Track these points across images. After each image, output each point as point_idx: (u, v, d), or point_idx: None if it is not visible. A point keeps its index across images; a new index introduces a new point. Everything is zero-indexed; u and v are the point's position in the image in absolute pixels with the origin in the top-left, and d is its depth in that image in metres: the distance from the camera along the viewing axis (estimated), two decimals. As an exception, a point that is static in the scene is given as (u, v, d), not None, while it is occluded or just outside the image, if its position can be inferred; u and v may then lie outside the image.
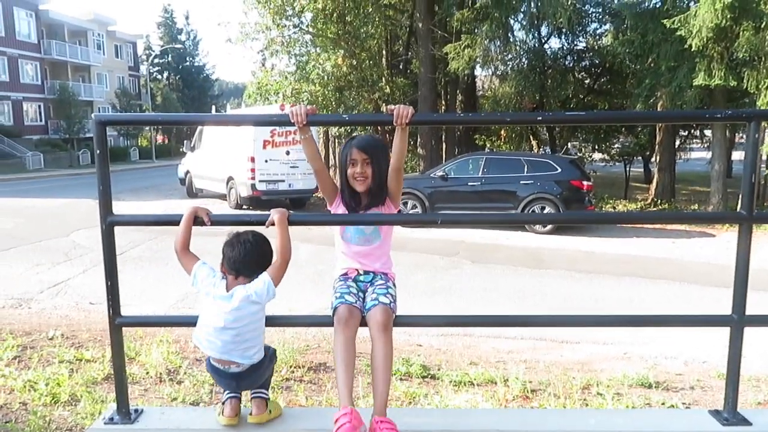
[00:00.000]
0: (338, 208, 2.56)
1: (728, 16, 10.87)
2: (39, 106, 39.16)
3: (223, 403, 2.34)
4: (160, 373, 3.99)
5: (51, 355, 4.35)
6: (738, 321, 2.31)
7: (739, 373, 2.36)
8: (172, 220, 2.29)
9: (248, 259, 2.22)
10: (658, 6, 14.02)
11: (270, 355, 2.36)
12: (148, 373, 4.00)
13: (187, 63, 59.10)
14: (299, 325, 4.07)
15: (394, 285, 2.57)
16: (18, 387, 3.65)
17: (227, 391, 2.36)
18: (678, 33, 11.70)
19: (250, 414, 2.34)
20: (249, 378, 2.30)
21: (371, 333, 2.34)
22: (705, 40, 11.28)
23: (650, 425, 2.42)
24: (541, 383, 4.02)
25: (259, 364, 2.28)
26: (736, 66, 11.92)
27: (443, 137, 20.09)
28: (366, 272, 2.54)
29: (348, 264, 2.56)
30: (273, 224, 2.26)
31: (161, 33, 58.35)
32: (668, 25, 11.79)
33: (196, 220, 2.29)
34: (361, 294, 2.49)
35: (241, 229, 2.34)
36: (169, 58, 57.45)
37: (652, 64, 13.89)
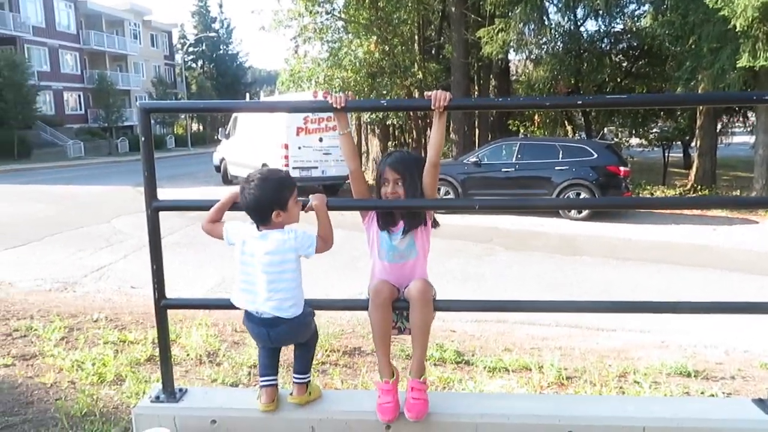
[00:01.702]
0: (372, 226, 2.55)
1: (775, -5, 10.46)
2: (79, 96, 40.15)
3: (261, 388, 2.40)
4: (200, 355, 4.09)
5: (96, 336, 4.50)
6: (783, 309, 2.26)
7: (784, 362, 2.31)
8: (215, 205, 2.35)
9: (250, 205, 2.22)
10: (700, -15, 13.56)
11: (309, 314, 2.36)
12: (188, 354, 4.11)
13: (221, 51, 59.68)
14: (334, 308, 4.13)
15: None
16: (66, 366, 3.79)
17: (261, 380, 2.40)
18: (721, 13, 11.30)
19: (291, 394, 2.40)
20: (285, 334, 2.31)
21: (411, 301, 2.42)
22: (750, 19, 10.87)
23: (691, 414, 2.39)
24: (576, 370, 4.00)
25: (297, 321, 2.28)
26: (783, 46, 11.47)
27: (476, 123, 19.93)
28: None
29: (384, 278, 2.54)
30: (312, 209, 2.30)
31: (195, 22, 59.02)
32: (711, 5, 11.39)
33: (235, 205, 2.34)
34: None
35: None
36: (204, 47, 58.10)
37: (693, 46, 13.46)
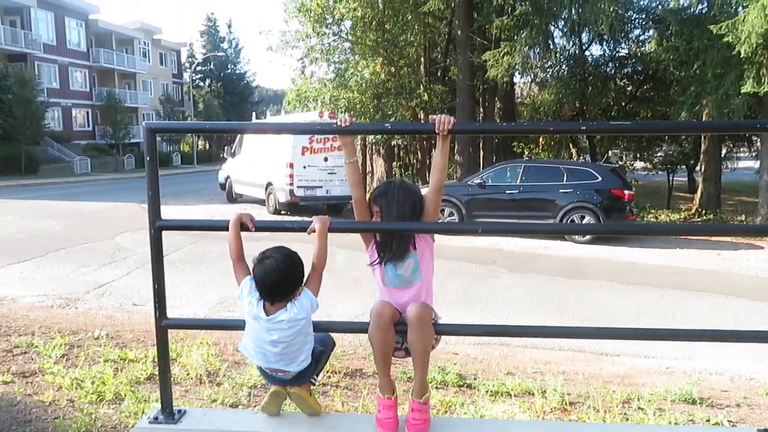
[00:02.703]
0: (373, 254, 2.54)
1: (779, 22, 10.53)
2: (87, 112, 40.52)
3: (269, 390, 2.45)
4: (200, 375, 4.07)
5: (96, 354, 4.49)
6: (789, 338, 2.23)
7: (790, 392, 2.28)
8: (217, 226, 2.35)
9: (278, 285, 2.21)
10: (704, 12, 13.67)
11: (318, 356, 2.38)
12: (188, 374, 4.09)
13: (229, 70, 60.26)
14: (336, 331, 4.08)
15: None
16: (66, 384, 3.78)
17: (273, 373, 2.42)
18: (725, 39, 11.38)
19: (294, 387, 2.41)
20: (298, 379, 2.36)
21: (408, 324, 2.40)
22: (754, 46, 10.94)
23: (695, 443, 2.35)
24: (579, 396, 3.95)
25: (307, 368, 2.33)
26: (787, 73, 11.52)
27: (481, 144, 19.98)
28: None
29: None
30: (314, 231, 2.30)
31: (204, 41, 59.72)
32: (715, 31, 11.47)
33: (242, 226, 2.34)
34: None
35: (272, 243, 2.37)
36: (212, 66, 58.70)
37: (697, 71, 13.53)
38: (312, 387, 2.47)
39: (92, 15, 40.22)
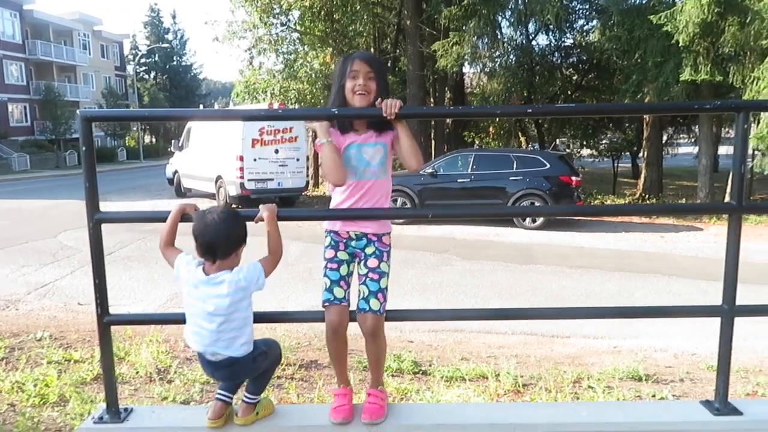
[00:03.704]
0: (335, 136, 2.33)
1: (714, 11, 10.97)
2: (25, 107, 38.75)
3: (213, 401, 2.32)
4: (150, 373, 3.95)
5: (39, 356, 4.30)
6: (729, 311, 2.32)
7: (730, 364, 2.37)
8: (160, 217, 2.27)
9: (219, 239, 2.10)
10: (644, 2, 14.10)
11: (261, 351, 2.28)
12: (138, 372, 3.97)
13: (174, 62, 58.69)
14: (290, 320, 4.04)
15: (389, 253, 2.43)
16: (6, 388, 3.60)
17: (217, 391, 2.32)
18: (664, 29, 11.78)
19: (236, 415, 2.32)
20: (239, 372, 2.25)
21: (364, 334, 2.37)
22: (691, 35, 11.37)
23: (642, 417, 2.42)
24: (532, 377, 4.03)
25: (248, 358, 2.22)
26: (722, 61, 12.03)
27: (432, 134, 20.13)
28: (359, 236, 2.39)
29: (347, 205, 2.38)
30: (261, 220, 2.24)
31: (148, 32, 57.93)
32: (655, 21, 11.86)
33: (184, 217, 2.26)
34: (350, 266, 2.40)
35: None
36: (156, 58, 57.04)
37: (639, 60, 13.97)
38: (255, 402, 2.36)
39: (27, 5, 38.37)
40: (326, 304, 2.36)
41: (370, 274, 2.36)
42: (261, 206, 2.25)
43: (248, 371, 2.28)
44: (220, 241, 2.11)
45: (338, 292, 2.35)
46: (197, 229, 2.12)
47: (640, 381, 4.01)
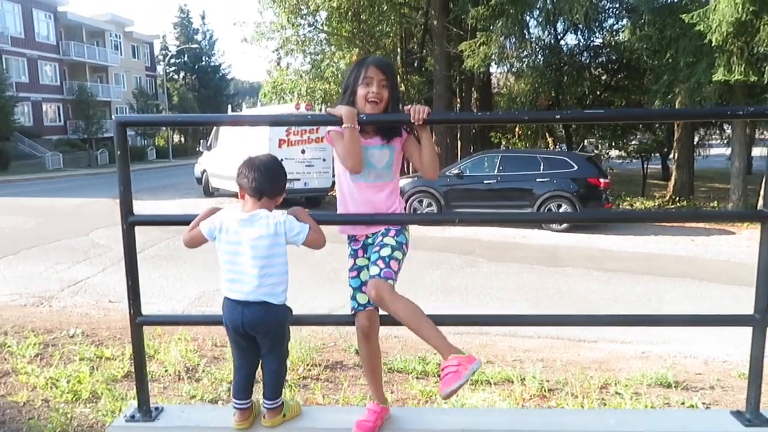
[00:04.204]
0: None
1: (749, 10, 10.70)
2: (58, 107, 39.70)
3: (234, 410, 2.33)
4: (179, 371, 4.02)
5: (72, 352, 4.41)
6: (761, 320, 2.27)
7: (762, 374, 2.32)
8: (191, 220, 2.31)
9: (268, 177, 2.18)
10: (676, 1, 13.84)
11: (288, 310, 2.26)
12: (166, 371, 4.04)
13: (203, 62, 59.47)
14: (319, 323, 4.08)
15: (398, 230, 2.37)
16: (40, 384, 3.71)
17: (233, 402, 2.33)
18: (697, 28, 11.53)
19: (263, 417, 2.33)
20: (261, 318, 2.17)
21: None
22: (725, 34, 11.11)
23: (671, 426, 2.39)
24: (558, 382, 4.00)
25: (280, 311, 2.20)
26: (757, 61, 11.72)
27: (458, 135, 20.05)
28: (374, 233, 2.40)
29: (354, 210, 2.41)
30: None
31: (177, 33, 58.78)
32: (687, 20, 11.62)
33: None
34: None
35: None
36: (185, 58, 57.85)
37: (670, 60, 13.71)
38: (282, 406, 2.35)
39: (61, 7, 39.32)
40: (353, 311, 2.39)
41: (375, 248, 2.35)
42: (288, 210, 2.26)
43: (271, 323, 2.20)
44: (269, 180, 2.18)
45: (361, 298, 2.37)
46: (246, 168, 2.19)
47: (669, 388, 3.95)
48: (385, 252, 2.30)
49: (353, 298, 2.39)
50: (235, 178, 2.22)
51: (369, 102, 2.30)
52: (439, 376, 4.12)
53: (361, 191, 2.38)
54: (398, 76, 19.20)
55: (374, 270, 2.28)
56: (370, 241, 2.42)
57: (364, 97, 2.30)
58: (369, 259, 2.38)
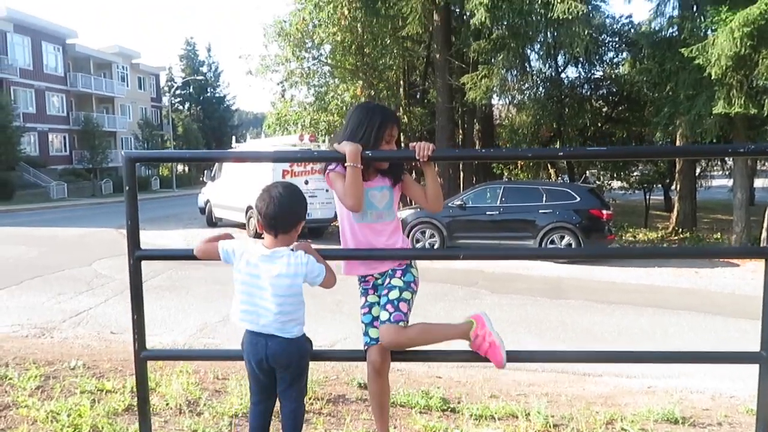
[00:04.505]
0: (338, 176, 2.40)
1: (747, 44, 10.85)
2: (64, 137, 40.12)
3: None
4: (180, 405, 3.98)
5: (73, 385, 4.38)
6: (767, 358, 2.26)
7: (770, 411, 2.30)
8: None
9: (283, 211, 2.17)
10: (675, 35, 14.05)
11: (307, 340, 2.28)
12: (167, 404, 4.00)
13: (208, 94, 60.29)
14: (329, 359, 4.06)
15: (403, 270, 2.44)
16: (41, 418, 3.67)
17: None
18: (696, 62, 11.68)
19: None
20: (283, 351, 2.19)
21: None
22: (724, 68, 11.24)
23: (678, 464, 2.36)
24: (563, 417, 3.95)
25: (298, 342, 2.21)
26: (756, 93, 11.84)
27: (461, 166, 20.14)
28: (382, 273, 2.46)
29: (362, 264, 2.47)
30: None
31: (183, 65, 59.73)
32: (686, 54, 11.78)
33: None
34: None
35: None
36: (191, 90, 58.69)
37: (670, 93, 13.86)
38: None
39: (70, 39, 40.06)
40: (366, 346, 2.40)
41: (384, 290, 2.41)
42: (295, 245, 2.28)
43: (292, 355, 2.21)
44: (283, 214, 2.17)
45: (373, 333, 2.40)
46: (262, 201, 2.19)
47: (676, 424, 3.89)
48: (394, 295, 2.35)
49: (365, 333, 2.42)
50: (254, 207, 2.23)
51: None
52: (443, 410, 4.08)
53: (363, 232, 2.44)
54: (401, 108, 19.45)
55: (384, 315, 2.33)
56: (379, 282, 2.46)
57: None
58: (379, 296, 2.41)
